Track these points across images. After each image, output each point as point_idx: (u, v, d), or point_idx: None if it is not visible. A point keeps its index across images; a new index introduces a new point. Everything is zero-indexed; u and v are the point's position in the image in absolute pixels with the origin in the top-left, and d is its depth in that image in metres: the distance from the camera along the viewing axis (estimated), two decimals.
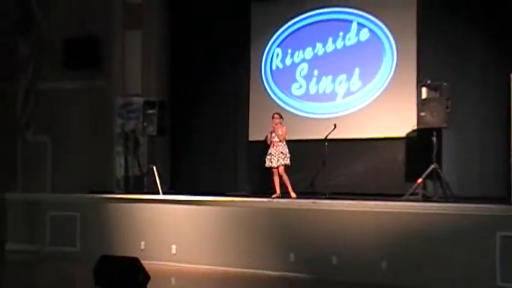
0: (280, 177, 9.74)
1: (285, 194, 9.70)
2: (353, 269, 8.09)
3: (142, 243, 9.52)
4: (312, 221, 8.47)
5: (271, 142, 9.81)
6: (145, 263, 5.88)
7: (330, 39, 10.58)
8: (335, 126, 9.61)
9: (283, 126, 9.83)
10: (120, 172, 11.23)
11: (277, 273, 8.55)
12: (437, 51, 9.81)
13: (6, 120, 12.08)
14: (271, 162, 9.77)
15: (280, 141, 9.73)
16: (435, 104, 8.87)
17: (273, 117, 9.88)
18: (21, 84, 11.62)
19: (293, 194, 9.63)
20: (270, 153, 9.78)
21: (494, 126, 9.32)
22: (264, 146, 10.18)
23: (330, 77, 10.56)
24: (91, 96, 11.84)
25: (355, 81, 10.37)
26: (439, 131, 9.07)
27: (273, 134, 9.80)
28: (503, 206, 7.67)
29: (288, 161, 9.70)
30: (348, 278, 8.08)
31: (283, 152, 9.70)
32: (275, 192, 9.75)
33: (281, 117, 9.92)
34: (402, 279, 7.79)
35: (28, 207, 10.77)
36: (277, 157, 9.70)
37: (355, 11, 10.41)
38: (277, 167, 9.73)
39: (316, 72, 10.68)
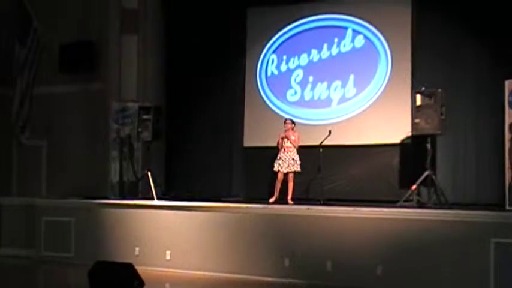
0: (287, 183, 9.71)
1: (281, 200, 9.69)
2: (347, 274, 8.10)
3: (137, 249, 9.52)
4: (306, 226, 8.48)
5: (282, 147, 9.79)
6: (139, 268, 5.90)
7: (325, 46, 10.60)
8: (330, 132, 9.63)
9: (295, 132, 9.83)
10: (114, 177, 11.20)
11: (271, 279, 8.55)
12: (431, 58, 9.86)
13: (2, 124, 12.07)
14: (280, 167, 9.71)
15: (293, 147, 9.70)
16: (429, 110, 8.90)
17: (285, 123, 9.87)
18: (17, 88, 11.62)
19: (290, 202, 9.63)
20: (280, 158, 9.72)
21: (489, 132, 9.35)
22: (259, 152, 10.21)
23: (325, 84, 10.58)
24: (87, 101, 11.84)
25: (350, 87, 10.40)
26: (433, 137, 9.12)
27: (285, 140, 9.77)
28: (498, 213, 7.71)
29: (298, 168, 9.68)
30: (342, 283, 8.09)
31: (295, 158, 9.68)
32: (273, 195, 9.75)
33: (293, 123, 9.91)
34: (397, 285, 7.81)
35: (23, 211, 10.76)
36: (288, 163, 9.67)
37: (350, 18, 10.45)
38: (287, 174, 9.71)
39: (311, 78, 10.71)
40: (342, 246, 8.20)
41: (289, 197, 9.66)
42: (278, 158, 9.78)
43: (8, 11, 11.82)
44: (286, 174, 9.70)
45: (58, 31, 11.88)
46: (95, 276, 6.65)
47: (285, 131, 9.79)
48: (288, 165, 9.68)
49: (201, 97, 11.53)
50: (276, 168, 9.77)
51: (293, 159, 9.69)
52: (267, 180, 10.18)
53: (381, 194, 9.73)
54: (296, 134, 9.80)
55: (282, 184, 9.74)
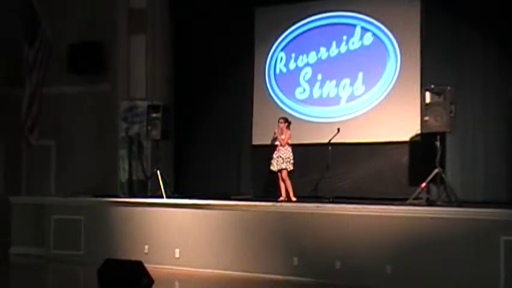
0: (284, 181, 9.76)
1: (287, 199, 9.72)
2: (357, 273, 8.09)
3: (146, 246, 9.54)
4: (315, 225, 8.48)
5: (275, 146, 9.85)
6: (149, 266, 5.88)
7: (334, 43, 10.59)
8: (338, 130, 9.62)
9: (287, 131, 9.83)
10: (124, 176, 11.25)
11: (280, 277, 8.55)
12: (440, 56, 9.83)
13: (11, 124, 12.13)
14: (272, 166, 9.83)
15: (281, 145, 9.75)
16: (439, 108, 8.86)
17: (278, 122, 9.92)
18: (27, 88, 11.66)
19: (293, 199, 9.65)
20: (272, 157, 9.84)
21: (498, 130, 9.32)
22: (267, 150, 10.24)
23: (334, 81, 10.57)
24: (96, 101, 11.90)
25: (359, 85, 10.38)
26: (442, 135, 9.07)
27: (276, 138, 9.84)
28: (508, 210, 7.66)
29: (286, 166, 9.68)
30: (351, 282, 8.08)
31: (282, 156, 9.71)
32: (280, 195, 9.78)
33: (286, 121, 9.92)
34: (406, 283, 7.79)
35: (32, 210, 10.79)
36: (276, 161, 9.75)
37: (358, 15, 10.43)
38: (279, 171, 9.76)
39: (319, 76, 10.70)
40: (351, 245, 8.19)
41: (290, 194, 9.69)
42: (272, 157, 9.87)
43: (17, 12, 11.87)
44: (279, 173, 9.76)
45: (66, 32, 11.94)
46: (104, 274, 6.67)
47: (279, 129, 9.82)
48: (277, 163, 9.74)
49: (210, 95, 11.55)
50: (270, 168, 9.88)
51: (280, 157, 9.72)
52: (276, 178, 10.17)
53: (390, 192, 9.69)
54: (287, 133, 9.79)
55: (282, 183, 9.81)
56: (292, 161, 9.74)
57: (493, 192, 9.23)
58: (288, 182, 9.72)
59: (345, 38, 10.52)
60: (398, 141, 9.96)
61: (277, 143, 9.88)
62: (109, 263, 6.77)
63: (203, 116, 11.59)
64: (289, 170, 9.73)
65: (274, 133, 9.92)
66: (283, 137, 9.78)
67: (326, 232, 8.39)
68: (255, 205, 9.15)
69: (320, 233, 8.42)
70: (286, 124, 9.88)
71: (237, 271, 8.85)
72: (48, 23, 11.67)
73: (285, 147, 9.75)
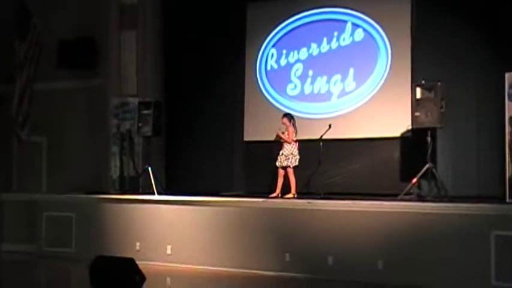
0: (288, 178, 9.75)
1: (283, 195, 9.70)
2: (349, 268, 8.11)
3: (138, 243, 9.53)
4: (307, 220, 8.49)
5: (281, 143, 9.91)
6: (140, 263, 5.92)
7: (325, 40, 10.59)
8: (330, 126, 9.64)
9: (289, 127, 9.83)
10: (115, 172, 11.21)
11: (272, 273, 8.56)
12: (431, 51, 9.83)
13: (2, 120, 12.07)
14: (277, 162, 9.82)
15: (285, 142, 9.76)
16: (430, 104, 8.89)
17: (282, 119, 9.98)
18: (17, 84, 11.60)
19: (290, 196, 9.63)
20: (278, 154, 9.83)
21: (489, 125, 9.34)
22: (259, 147, 10.24)
23: (325, 77, 10.58)
24: (86, 97, 11.85)
25: (350, 81, 10.39)
26: (433, 130, 9.10)
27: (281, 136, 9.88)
28: (498, 205, 7.70)
29: (287, 163, 9.67)
30: (343, 277, 8.10)
31: (284, 153, 9.73)
32: (274, 191, 9.78)
33: (286, 117, 9.92)
34: (398, 278, 7.82)
35: (23, 207, 10.77)
36: (279, 158, 9.77)
37: (349, 11, 10.43)
38: (282, 168, 9.76)
39: (311, 72, 10.70)
40: (342, 240, 8.21)
41: (293, 190, 9.69)
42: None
43: (7, 7, 11.80)
44: (281, 169, 9.76)
45: (57, 27, 11.86)
46: (96, 271, 6.68)
47: (285, 126, 9.84)
48: (280, 160, 9.74)
49: (201, 92, 11.54)
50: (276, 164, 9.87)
51: (282, 154, 9.73)
52: (268, 175, 10.19)
53: (382, 188, 9.72)
54: (289, 130, 9.79)
55: (283, 179, 9.79)
56: (296, 157, 9.70)
57: (484, 188, 9.25)
58: (292, 178, 9.70)
59: (335, 34, 10.51)
60: (390, 137, 9.97)
61: (281, 140, 9.89)
62: (100, 260, 6.78)
63: (195, 112, 11.57)
64: (291, 166, 9.71)
65: (279, 130, 9.90)
66: (286, 134, 9.79)
67: (318, 228, 8.40)
68: (247, 201, 9.16)
69: (312, 229, 8.43)
70: (288, 120, 9.88)
71: (229, 267, 8.85)
72: (39, 18, 11.61)
73: (289, 144, 9.74)
